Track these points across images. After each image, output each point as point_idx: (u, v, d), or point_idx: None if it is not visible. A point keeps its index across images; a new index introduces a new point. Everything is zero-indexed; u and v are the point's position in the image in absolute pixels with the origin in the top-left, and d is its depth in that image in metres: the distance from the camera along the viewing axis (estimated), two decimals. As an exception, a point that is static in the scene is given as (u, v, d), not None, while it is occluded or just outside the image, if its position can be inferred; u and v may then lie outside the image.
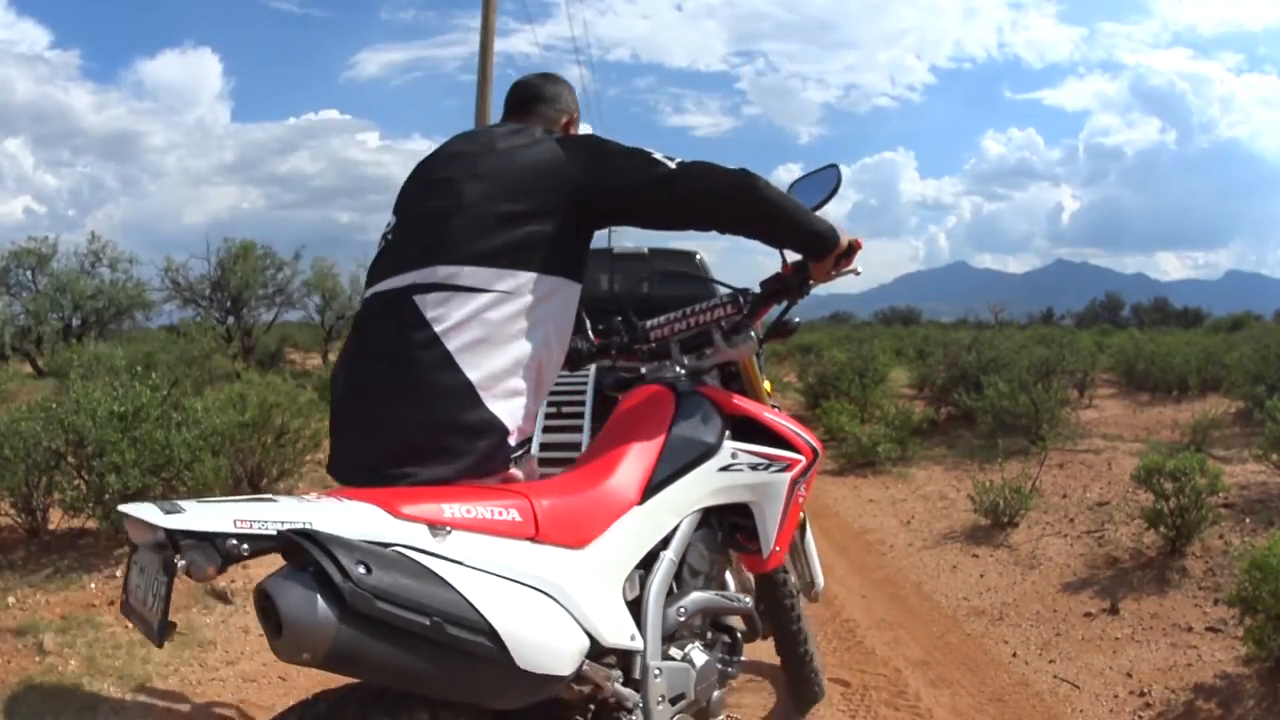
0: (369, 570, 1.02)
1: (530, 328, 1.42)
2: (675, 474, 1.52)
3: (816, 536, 4.21)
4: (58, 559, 3.06)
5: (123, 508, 1.07)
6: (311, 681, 2.57)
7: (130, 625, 1.27)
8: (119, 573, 3.02)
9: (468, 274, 1.39)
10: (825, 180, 1.86)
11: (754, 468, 1.64)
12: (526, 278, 1.41)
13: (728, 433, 1.66)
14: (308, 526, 1.06)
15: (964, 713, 2.42)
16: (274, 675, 2.57)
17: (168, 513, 1.03)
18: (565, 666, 1.21)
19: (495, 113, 11.38)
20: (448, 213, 1.43)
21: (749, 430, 1.70)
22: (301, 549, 1.02)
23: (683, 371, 1.75)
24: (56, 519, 3.28)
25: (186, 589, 3.01)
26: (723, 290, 1.80)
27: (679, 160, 1.48)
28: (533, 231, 1.42)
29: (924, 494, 4.85)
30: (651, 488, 1.47)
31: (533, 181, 1.45)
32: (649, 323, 1.82)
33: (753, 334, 1.75)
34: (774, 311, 1.81)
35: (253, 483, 4.01)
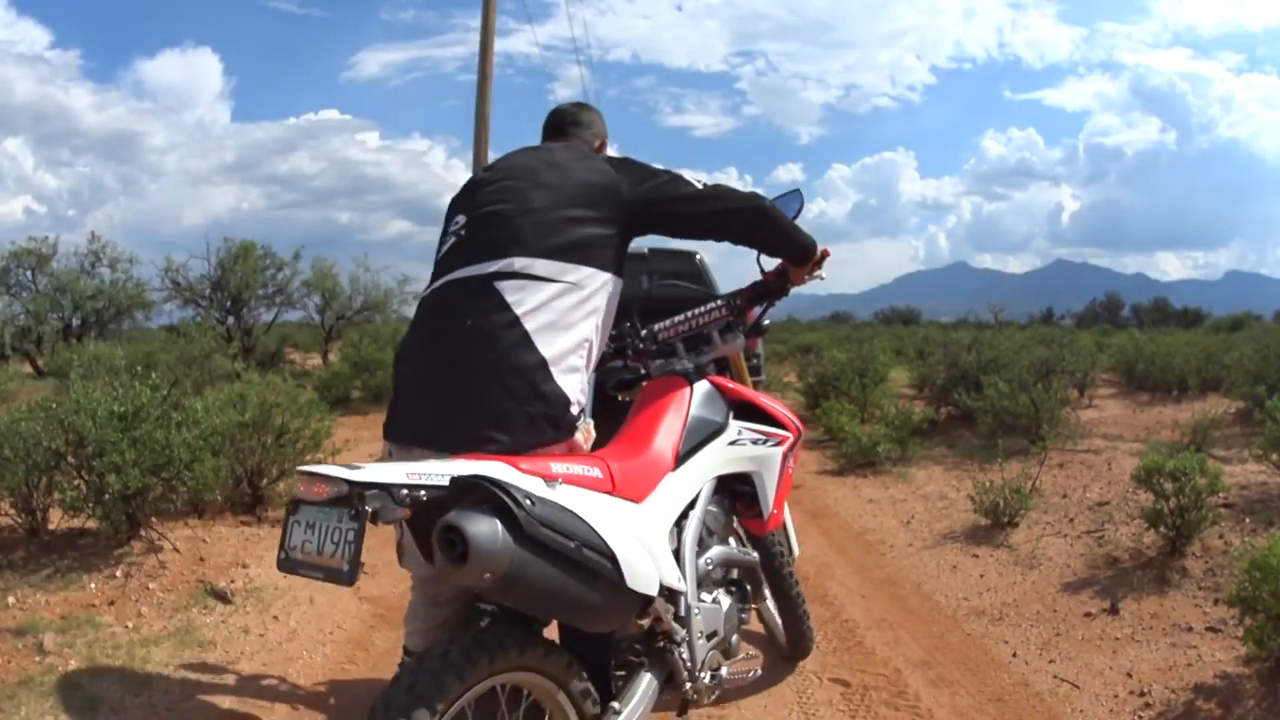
0: (533, 504, 1.30)
1: (588, 314, 1.67)
2: (697, 446, 1.84)
3: (817, 536, 4.22)
4: (58, 559, 3.06)
5: (307, 468, 1.34)
6: (312, 681, 2.57)
7: (292, 576, 1.47)
8: (119, 572, 3.02)
9: (541, 266, 1.63)
10: (792, 200, 2.13)
11: (754, 442, 1.99)
12: (588, 272, 1.67)
13: (731, 414, 1.99)
14: (476, 475, 1.32)
15: (964, 713, 2.43)
16: (274, 675, 2.58)
17: (351, 470, 1.28)
18: (654, 589, 1.50)
19: (496, 112, 11.37)
20: (518, 214, 1.68)
21: (746, 412, 2.04)
22: (475, 491, 1.28)
23: (690, 365, 2.03)
24: (56, 519, 3.28)
25: (186, 589, 3.02)
26: (716, 293, 2.20)
27: (704, 183, 1.80)
28: (593, 234, 1.69)
29: (924, 494, 4.85)
30: (681, 457, 1.78)
31: (590, 192, 1.72)
32: (656, 326, 2.12)
33: (741, 332, 2.08)
34: (756, 311, 2.14)
35: (252, 483, 4.01)
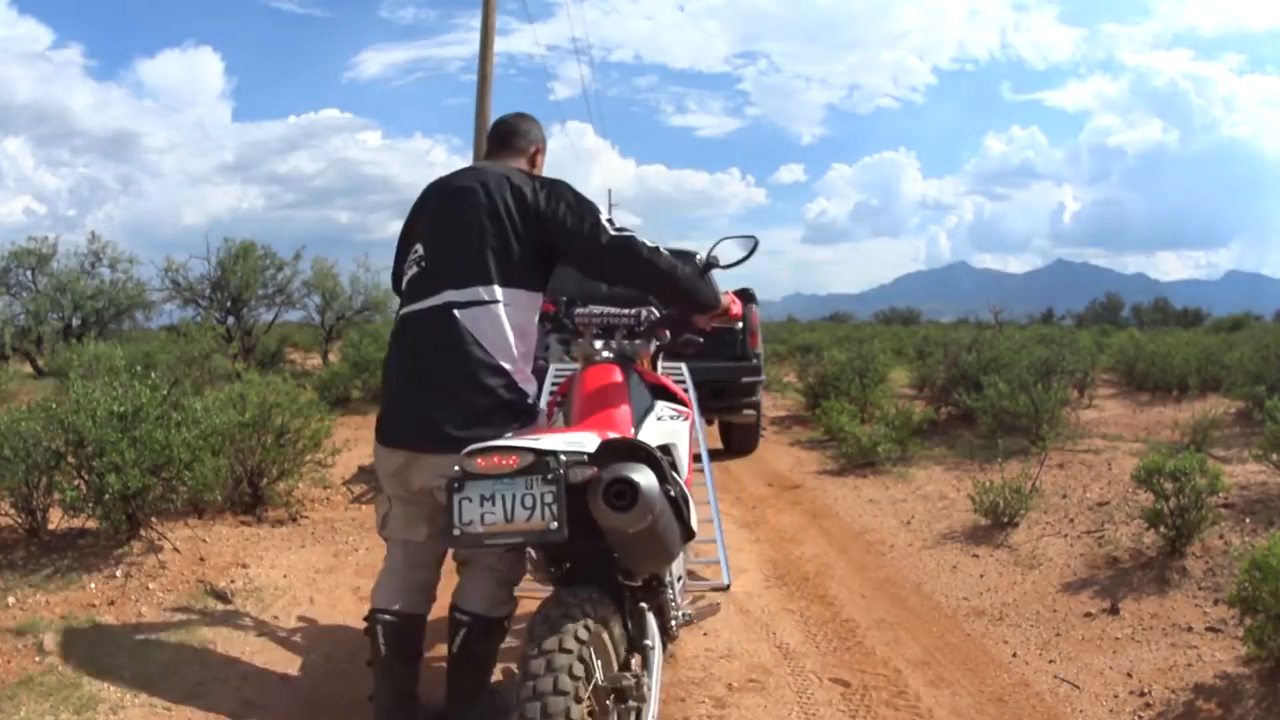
0: (667, 459, 1.68)
1: (526, 325, 2.03)
2: (639, 420, 2.00)
3: (817, 536, 4.22)
4: (58, 559, 3.06)
5: (484, 444, 1.58)
6: (312, 681, 2.57)
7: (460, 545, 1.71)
8: (119, 572, 3.02)
9: (489, 291, 1.96)
10: (746, 244, 2.34)
11: (671, 418, 2.18)
12: (524, 294, 2.02)
13: (652, 395, 2.20)
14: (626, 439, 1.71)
15: (964, 713, 2.43)
16: (274, 675, 2.58)
17: (534, 441, 1.57)
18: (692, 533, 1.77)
19: (496, 112, 11.38)
20: (469, 246, 1.99)
21: (659, 394, 2.26)
22: (622, 452, 1.60)
23: (608, 354, 2.27)
24: (56, 519, 3.28)
25: (186, 589, 3.02)
26: (644, 306, 2.39)
27: (617, 230, 2.02)
28: (527, 261, 2.01)
29: (924, 494, 4.85)
30: (635, 427, 1.95)
31: (521, 220, 2.00)
32: (578, 312, 2.37)
33: (642, 345, 2.33)
34: (665, 333, 2.39)
35: (253, 483, 4.01)
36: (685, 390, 2.64)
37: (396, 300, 2.17)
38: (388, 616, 2.03)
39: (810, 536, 4.18)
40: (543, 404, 2.16)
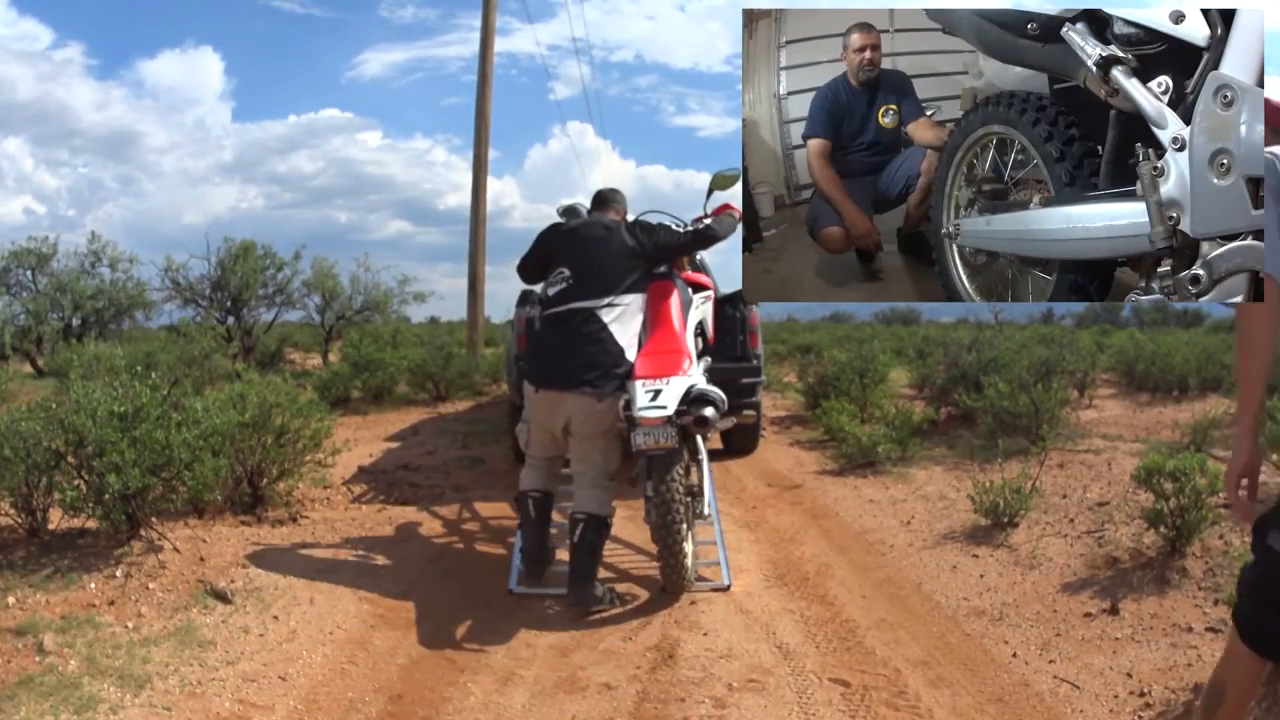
0: (719, 394, 3.14)
1: (635, 317, 3.35)
2: (687, 307, 3.69)
3: (817, 536, 4.22)
4: (58, 559, 3.06)
5: (647, 412, 3.01)
6: (311, 681, 2.57)
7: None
8: (119, 572, 3.02)
9: (616, 298, 3.28)
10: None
11: (701, 303, 3.94)
12: (635, 297, 3.36)
13: (690, 289, 3.85)
14: (696, 387, 3.15)
15: (964, 713, 2.43)
16: (274, 675, 2.58)
17: (667, 405, 3.04)
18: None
19: (496, 112, 11.38)
20: (602, 270, 3.30)
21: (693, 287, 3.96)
22: (707, 394, 3.10)
23: (663, 269, 3.68)
24: (56, 519, 3.28)
25: (186, 589, 3.02)
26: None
27: (685, 228, 3.65)
28: (637, 276, 3.38)
29: (924, 494, 4.85)
30: (684, 313, 3.60)
31: (630, 251, 3.38)
32: None
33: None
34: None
35: (253, 483, 4.01)
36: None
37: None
38: (535, 493, 3.34)
39: (810, 536, 4.18)
40: None
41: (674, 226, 3.60)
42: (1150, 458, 3.49)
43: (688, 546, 3.16)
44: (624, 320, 3.26)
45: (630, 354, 3.23)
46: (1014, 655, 2.81)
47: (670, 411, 3.00)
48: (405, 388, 9.27)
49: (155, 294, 12.38)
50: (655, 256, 3.45)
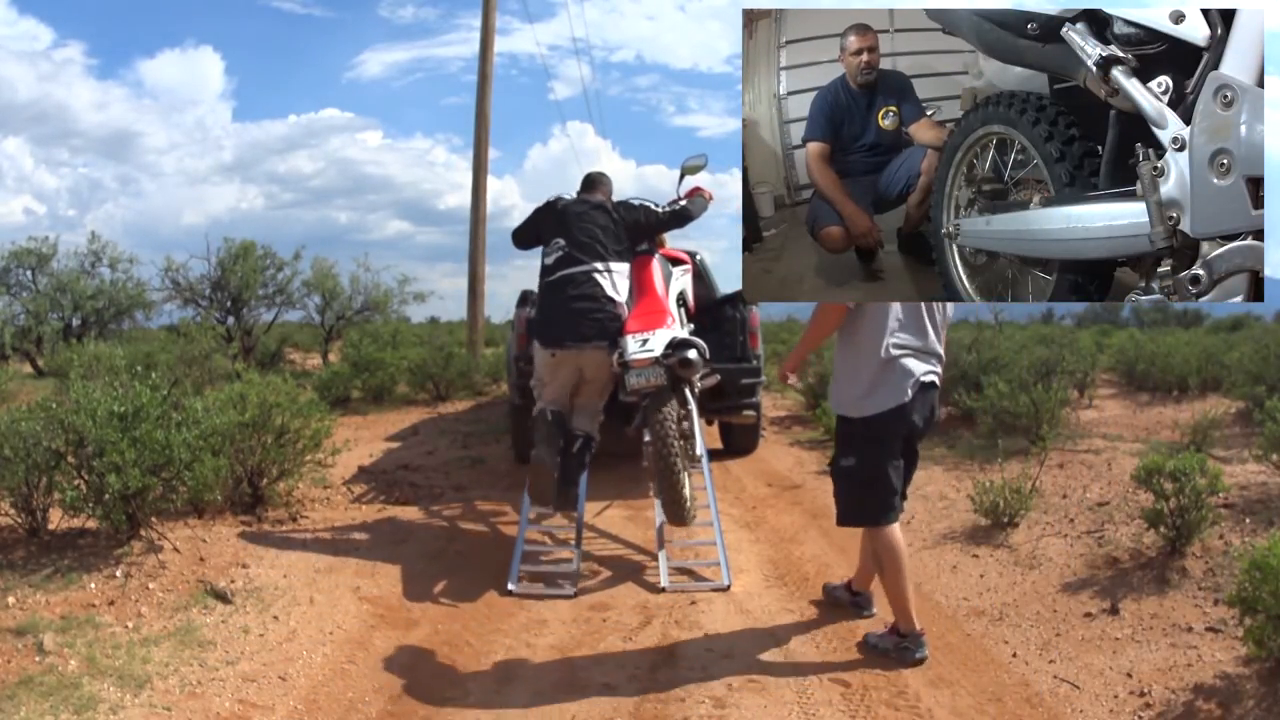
0: (701, 344, 3.60)
1: (624, 283, 3.71)
2: (668, 279, 4.16)
3: (817, 536, 4.21)
4: (58, 559, 3.06)
5: (636, 354, 3.46)
6: (311, 681, 2.57)
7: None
8: (119, 572, 3.02)
9: (610, 264, 3.67)
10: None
11: (680, 275, 4.45)
12: (623, 265, 3.75)
13: (669, 263, 4.38)
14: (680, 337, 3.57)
15: (964, 713, 2.43)
16: (274, 675, 2.58)
17: (655, 348, 3.47)
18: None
19: (496, 112, 11.38)
20: (592, 240, 3.69)
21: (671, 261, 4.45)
22: (686, 342, 3.51)
23: (645, 248, 4.09)
24: (56, 519, 3.28)
25: (186, 589, 3.02)
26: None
27: (662, 208, 3.96)
28: (623, 248, 3.77)
29: (924, 494, 4.85)
30: (666, 283, 4.10)
31: (616, 225, 3.77)
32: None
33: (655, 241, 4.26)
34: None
35: (253, 483, 4.01)
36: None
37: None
38: (553, 408, 3.69)
39: (810, 536, 4.18)
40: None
41: (653, 207, 3.96)
42: (1150, 458, 3.48)
43: (685, 481, 3.47)
44: (615, 283, 3.67)
45: (623, 312, 3.65)
46: (1014, 655, 2.81)
47: (658, 353, 3.41)
48: (405, 388, 9.27)
49: (155, 294, 12.38)
50: (637, 231, 3.86)
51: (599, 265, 3.63)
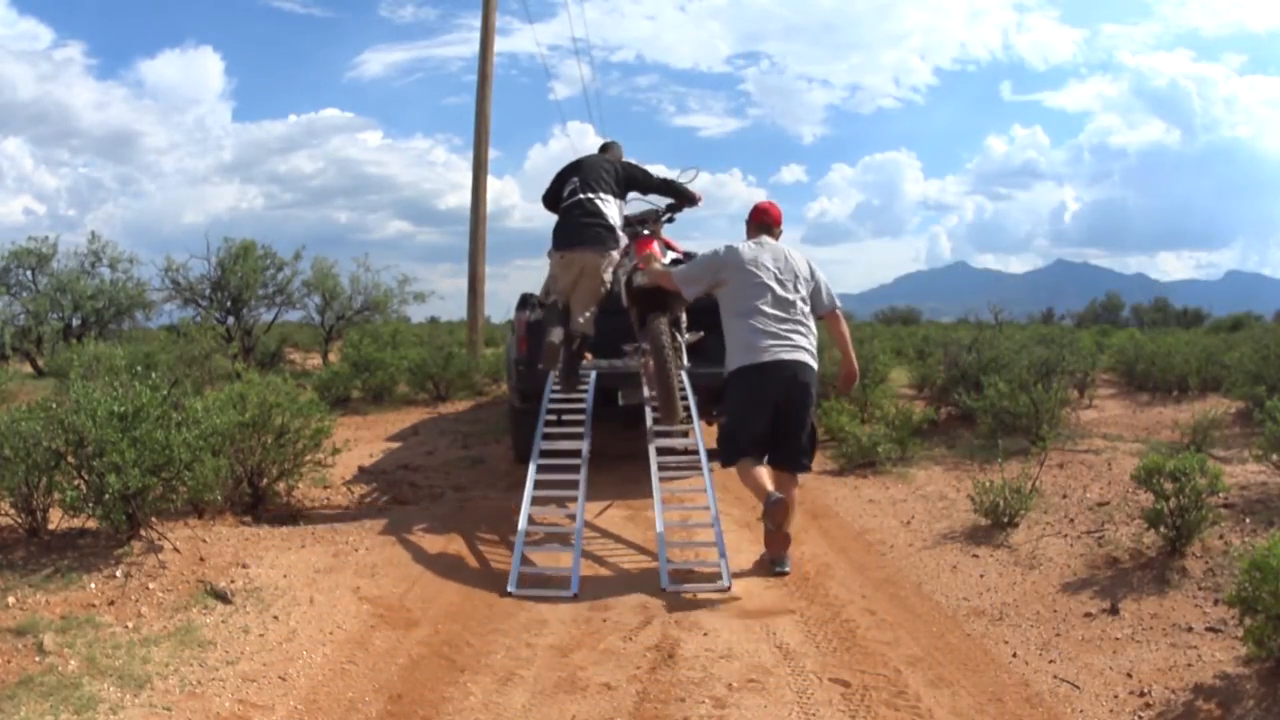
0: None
1: (620, 208, 4.71)
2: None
3: (817, 536, 4.22)
4: (58, 559, 3.06)
5: (639, 273, 4.52)
6: (311, 681, 2.57)
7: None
8: (119, 572, 3.02)
9: (609, 197, 4.61)
10: (690, 173, 4.95)
11: (674, 260, 5.03)
12: (620, 201, 4.73)
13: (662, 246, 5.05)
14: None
15: (964, 713, 2.43)
16: (274, 675, 2.58)
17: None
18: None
19: (496, 111, 11.37)
20: (599, 179, 4.63)
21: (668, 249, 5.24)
22: (669, 263, 4.70)
23: (646, 231, 4.91)
24: (56, 519, 3.28)
25: (186, 589, 3.02)
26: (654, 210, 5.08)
27: (645, 175, 4.90)
28: (622, 190, 4.74)
29: (924, 494, 4.85)
30: (660, 265, 4.58)
31: (616, 173, 4.72)
32: (628, 215, 4.88)
33: (655, 226, 4.97)
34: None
35: (252, 483, 4.01)
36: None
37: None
38: (564, 300, 4.55)
39: (810, 536, 4.18)
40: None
41: (650, 171, 4.86)
42: (1150, 458, 3.48)
43: (677, 383, 4.21)
44: (610, 212, 4.54)
45: (617, 234, 4.57)
46: (1014, 655, 2.81)
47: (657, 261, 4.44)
48: (405, 388, 9.27)
49: (155, 294, 12.39)
50: (632, 183, 4.78)
51: (602, 195, 4.57)
